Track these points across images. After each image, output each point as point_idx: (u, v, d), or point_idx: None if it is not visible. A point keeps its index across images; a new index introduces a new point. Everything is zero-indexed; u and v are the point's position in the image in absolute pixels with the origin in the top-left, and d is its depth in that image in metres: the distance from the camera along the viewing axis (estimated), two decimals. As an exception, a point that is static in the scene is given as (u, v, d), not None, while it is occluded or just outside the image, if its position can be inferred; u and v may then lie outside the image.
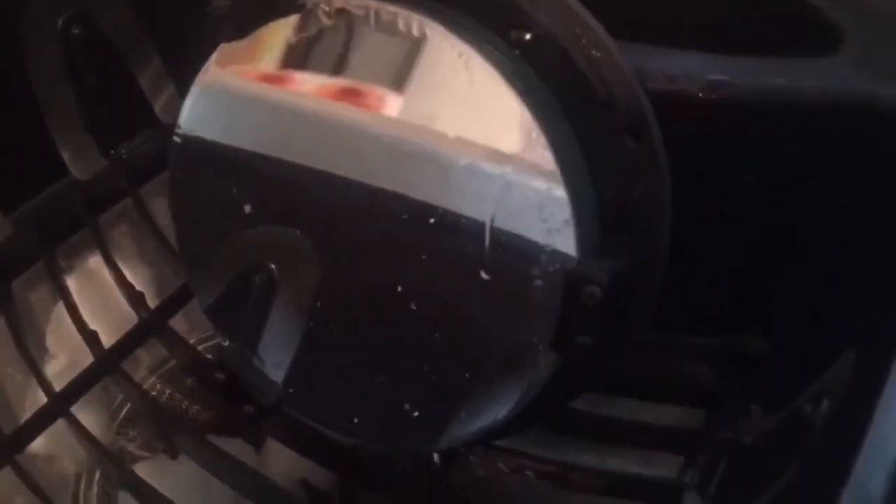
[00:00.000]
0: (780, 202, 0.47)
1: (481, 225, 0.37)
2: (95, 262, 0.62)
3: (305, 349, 0.45)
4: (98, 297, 0.61)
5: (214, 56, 0.42)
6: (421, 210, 0.38)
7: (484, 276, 0.37)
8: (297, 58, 0.40)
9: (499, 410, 0.40)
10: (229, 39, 0.41)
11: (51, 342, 0.60)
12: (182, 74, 0.70)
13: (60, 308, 0.61)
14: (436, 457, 0.52)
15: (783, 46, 0.46)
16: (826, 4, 0.46)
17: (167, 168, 0.67)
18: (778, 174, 0.46)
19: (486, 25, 0.39)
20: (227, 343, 0.47)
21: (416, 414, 0.42)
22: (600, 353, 0.39)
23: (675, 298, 0.42)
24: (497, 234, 0.37)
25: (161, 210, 0.66)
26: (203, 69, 0.43)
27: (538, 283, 0.37)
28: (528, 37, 0.38)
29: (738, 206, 0.47)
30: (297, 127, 0.41)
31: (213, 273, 0.47)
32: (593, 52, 0.39)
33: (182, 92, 0.70)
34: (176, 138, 0.44)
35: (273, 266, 0.44)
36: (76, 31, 0.60)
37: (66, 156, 0.64)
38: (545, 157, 0.36)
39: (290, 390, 0.45)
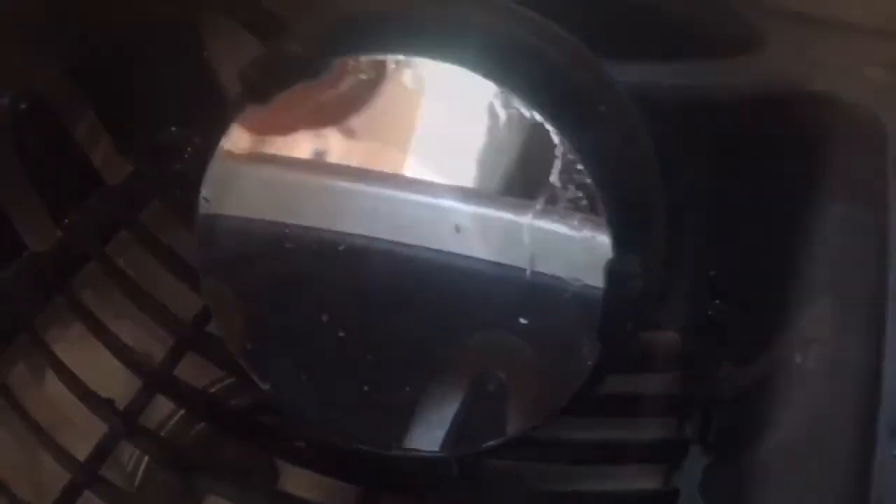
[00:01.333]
0: (734, 184, 0.54)
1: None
2: (78, 330, 0.61)
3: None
4: (85, 367, 0.60)
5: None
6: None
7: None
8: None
9: (555, 405, 0.45)
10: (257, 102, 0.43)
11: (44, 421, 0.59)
12: (119, 132, 0.71)
13: (47, 385, 0.60)
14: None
15: (714, 49, 0.53)
16: (748, 10, 0.53)
17: (122, 229, 0.68)
18: (728, 160, 0.53)
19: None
20: (266, 386, 0.49)
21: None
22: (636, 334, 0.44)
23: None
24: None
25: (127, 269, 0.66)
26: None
27: (578, 285, 0.42)
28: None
29: (700, 191, 0.54)
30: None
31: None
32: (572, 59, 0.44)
33: (120, 148, 0.70)
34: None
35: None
36: (23, 107, 0.60)
37: (20, 230, 0.63)
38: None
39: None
